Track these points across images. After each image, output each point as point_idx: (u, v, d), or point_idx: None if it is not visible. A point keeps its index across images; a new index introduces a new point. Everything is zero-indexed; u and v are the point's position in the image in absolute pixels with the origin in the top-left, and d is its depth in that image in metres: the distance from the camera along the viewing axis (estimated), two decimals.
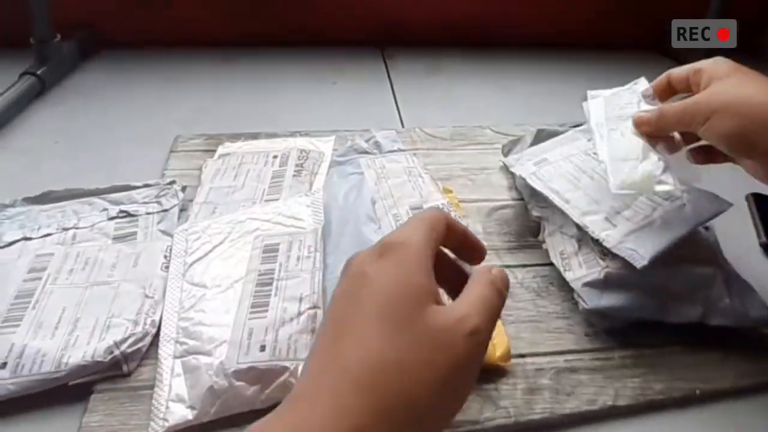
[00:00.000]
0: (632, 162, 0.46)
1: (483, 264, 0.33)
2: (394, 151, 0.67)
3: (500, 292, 0.28)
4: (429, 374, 0.24)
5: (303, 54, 0.98)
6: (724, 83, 0.42)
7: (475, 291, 0.28)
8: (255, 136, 0.72)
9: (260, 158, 0.65)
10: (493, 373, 0.43)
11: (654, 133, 0.46)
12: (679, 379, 0.44)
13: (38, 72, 0.78)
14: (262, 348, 0.41)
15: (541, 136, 0.66)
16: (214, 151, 0.68)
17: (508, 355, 0.43)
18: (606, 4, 1.10)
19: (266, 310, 0.44)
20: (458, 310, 0.26)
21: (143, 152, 0.69)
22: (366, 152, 0.66)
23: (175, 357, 0.42)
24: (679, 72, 0.47)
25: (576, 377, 0.43)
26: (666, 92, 0.49)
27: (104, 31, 0.94)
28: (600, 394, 0.42)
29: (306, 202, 0.57)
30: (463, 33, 1.06)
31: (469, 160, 0.71)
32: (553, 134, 0.65)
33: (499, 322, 0.45)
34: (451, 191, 0.63)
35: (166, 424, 0.38)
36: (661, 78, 0.50)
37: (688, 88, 0.47)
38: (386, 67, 0.97)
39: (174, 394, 0.39)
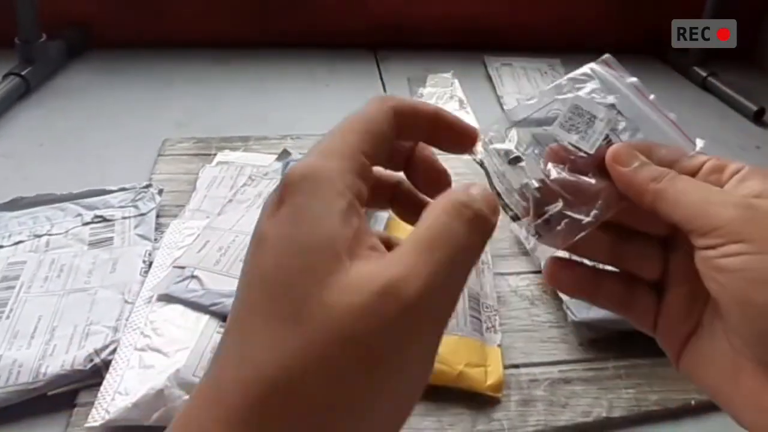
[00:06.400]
0: None
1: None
2: None
3: (471, 222, 0.17)
4: (334, 386, 0.15)
5: (295, 55, 0.97)
6: None
7: (423, 227, 0.17)
8: (245, 140, 0.71)
9: (257, 172, 0.62)
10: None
11: (628, 187, 0.22)
12: (674, 390, 0.43)
13: (23, 73, 0.76)
14: None
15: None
16: (204, 155, 0.67)
17: (499, 386, 0.41)
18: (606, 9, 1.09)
19: None
20: (388, 264, 0.16)
21: (131, 156, 0.67)
22: None
23: (136, 348, 0.41)
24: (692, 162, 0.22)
25: (570, 388, 0.42)
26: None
27: (93, 31, 0.93)
28: (594, 405, 0.41)
29: None
30: (459, 36, 1.06)
31: (460, 165, 0.70)
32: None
33: (496, 349, 0.44)
34: None
35: (107, 417, 0.36)
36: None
37: None
38: (379, 69, 0.97)
39: (123, 386, 0.38)
